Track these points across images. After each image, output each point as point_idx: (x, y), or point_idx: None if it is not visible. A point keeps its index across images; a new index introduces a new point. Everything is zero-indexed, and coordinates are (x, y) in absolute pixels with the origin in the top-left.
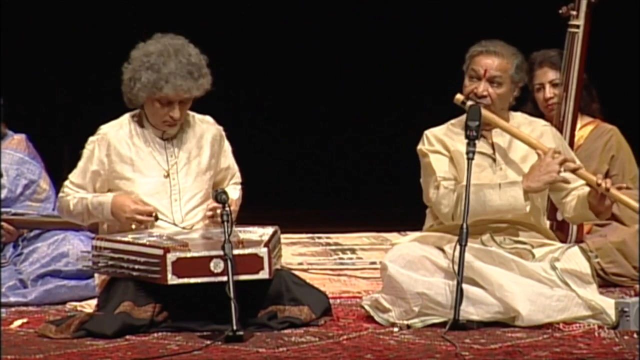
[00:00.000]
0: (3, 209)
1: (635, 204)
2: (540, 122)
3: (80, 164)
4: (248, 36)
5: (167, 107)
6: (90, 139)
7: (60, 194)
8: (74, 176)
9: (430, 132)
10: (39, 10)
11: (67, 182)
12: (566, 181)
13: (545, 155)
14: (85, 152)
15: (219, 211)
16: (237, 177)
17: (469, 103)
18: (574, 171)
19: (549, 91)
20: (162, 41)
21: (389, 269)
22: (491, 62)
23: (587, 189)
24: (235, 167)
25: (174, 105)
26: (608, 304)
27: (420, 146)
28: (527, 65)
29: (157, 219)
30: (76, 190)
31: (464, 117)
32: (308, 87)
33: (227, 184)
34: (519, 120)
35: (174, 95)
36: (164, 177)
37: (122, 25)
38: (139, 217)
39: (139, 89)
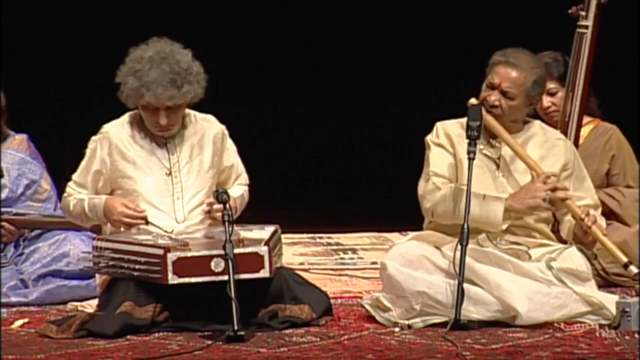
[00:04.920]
0: (4, 209)
1: (612, 247)
2: (555, 134)
3: (83, 163)
4: (251, 35)
5: (154, 114)
6: (93, 138)
7: (64, 194)
8: (77, 176)
9: (441, 125)
10: (40, 9)
11: (70, 182)
12: (551, 209)
13: (537, 178)
14: (88, 152)
15: (215, 206)
16: (244, 179)
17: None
18: (562, 201)
19: (546, 100)
20: (155, 46)
21: (389, 268)
22: (508, 74)
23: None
24: (241, 168)
25: (159, 112)
26: (607, 299)
27: (428, 137)
28: (546, 79)
29: (147, 222)
30: (78, 191)
31: None
32: (310, 88)
33: (232, 184)
34: (535, 129)
35: (156, 102)
36: (166, 175)
37: (122, 25)
38: (126, 219)
39: (127, 94)
